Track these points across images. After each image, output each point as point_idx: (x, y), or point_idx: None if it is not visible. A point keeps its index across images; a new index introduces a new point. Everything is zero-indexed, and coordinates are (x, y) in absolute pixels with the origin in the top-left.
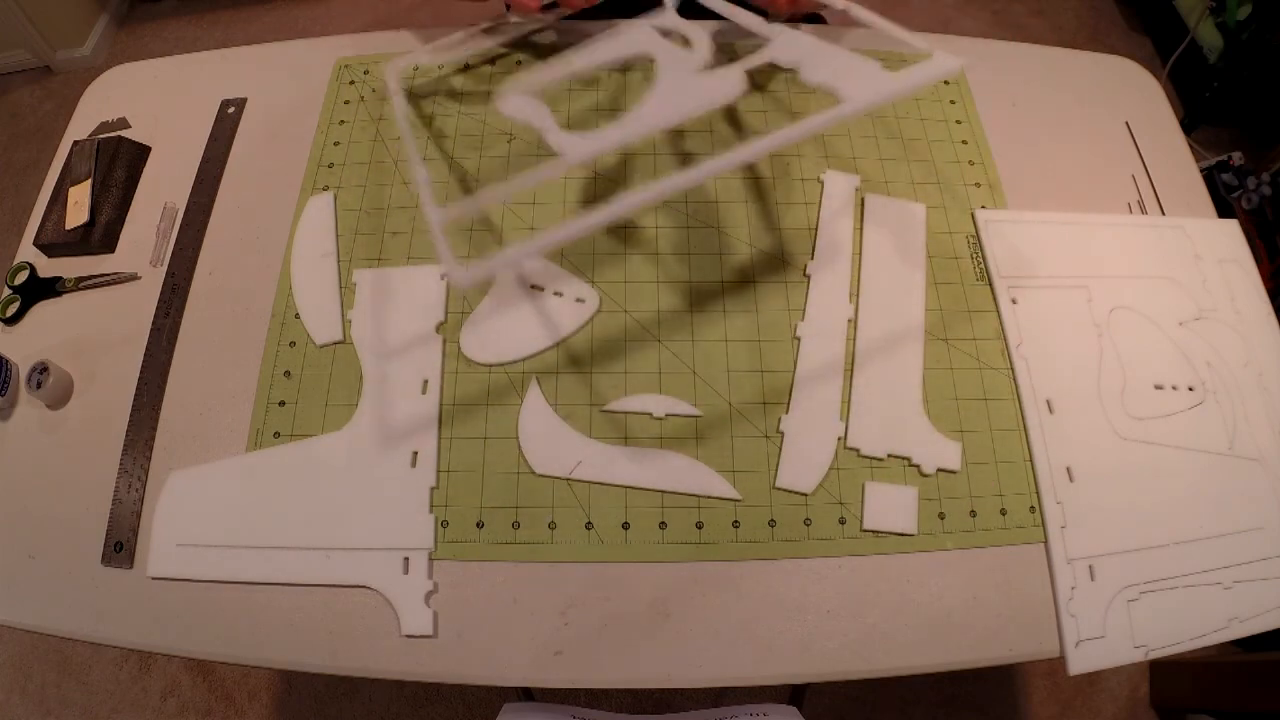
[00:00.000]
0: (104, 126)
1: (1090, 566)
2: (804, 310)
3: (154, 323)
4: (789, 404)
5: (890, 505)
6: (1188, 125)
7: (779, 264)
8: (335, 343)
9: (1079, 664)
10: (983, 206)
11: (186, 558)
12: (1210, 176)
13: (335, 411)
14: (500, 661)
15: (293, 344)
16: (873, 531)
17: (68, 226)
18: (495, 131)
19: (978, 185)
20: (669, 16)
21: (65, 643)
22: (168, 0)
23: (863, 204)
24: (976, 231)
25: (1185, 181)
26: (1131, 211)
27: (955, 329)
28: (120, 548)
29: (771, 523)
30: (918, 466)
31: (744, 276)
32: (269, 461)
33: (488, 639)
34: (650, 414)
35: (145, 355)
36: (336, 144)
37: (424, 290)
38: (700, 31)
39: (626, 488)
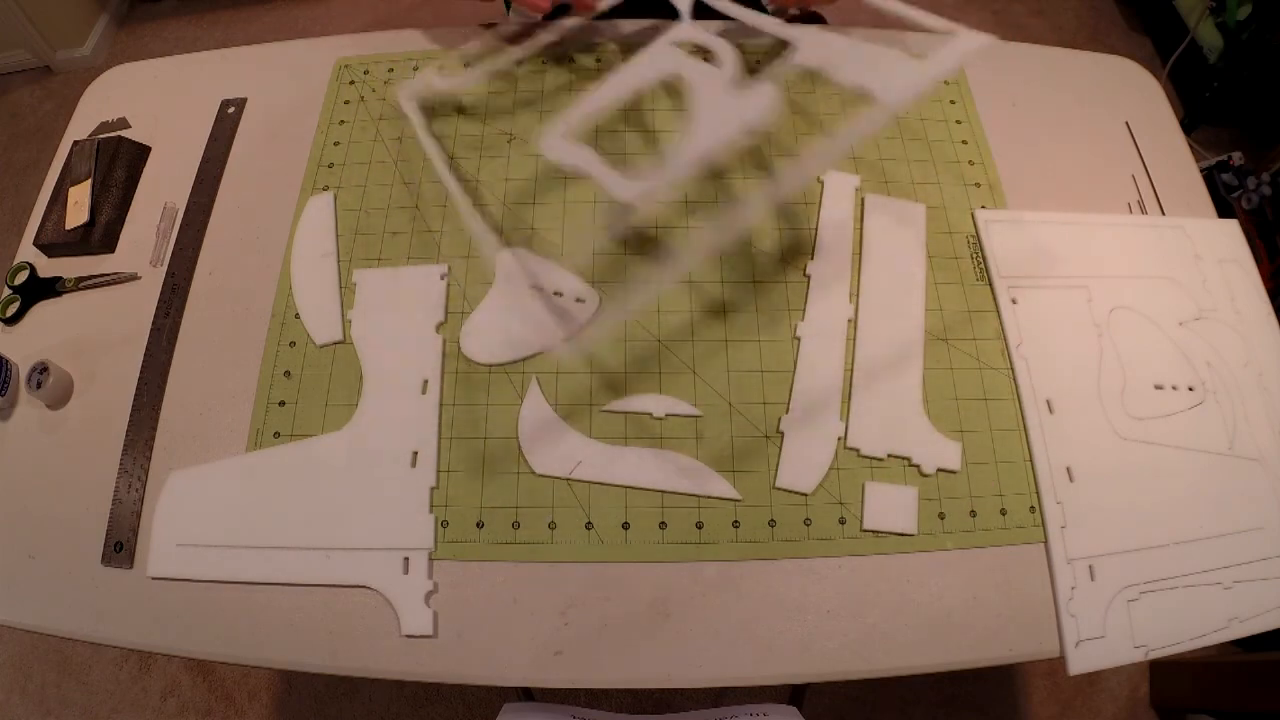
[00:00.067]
0: (104, 126)
1: (1090, 566)
2: (804, 310)
3: (154, 323)
4: (789, 404)
5: (890, 505)
6: (1188, 125)
7: (779, 264)
8: (335, 343)
9: (1079, 664)
10: (983, 206)
11: (186, 558)
12: (1210, 176)
13: (335, 411)
14: (500, 661)
15: (293, 344)
16: (873, 531)
17: (68, 226)
18: (495, 132)
19: (978, 185)
20: (687, 28)
21: (65, 643)
22: (168, 0)
23: (863, 204)
24: (976, 231)
25: (1185, 181)
26: (1131, 211)
27: (955, 329)
28: (120, 548)
29: (771, 523)
30: (918, 466)
31: (744, 276)
32: (269, 461)
33: (488, 639)
34: (650, 414)
35: (145, 355)
36: (336, 144)
37: (424, 290)
38: (724, 44)
39: (626, 488)
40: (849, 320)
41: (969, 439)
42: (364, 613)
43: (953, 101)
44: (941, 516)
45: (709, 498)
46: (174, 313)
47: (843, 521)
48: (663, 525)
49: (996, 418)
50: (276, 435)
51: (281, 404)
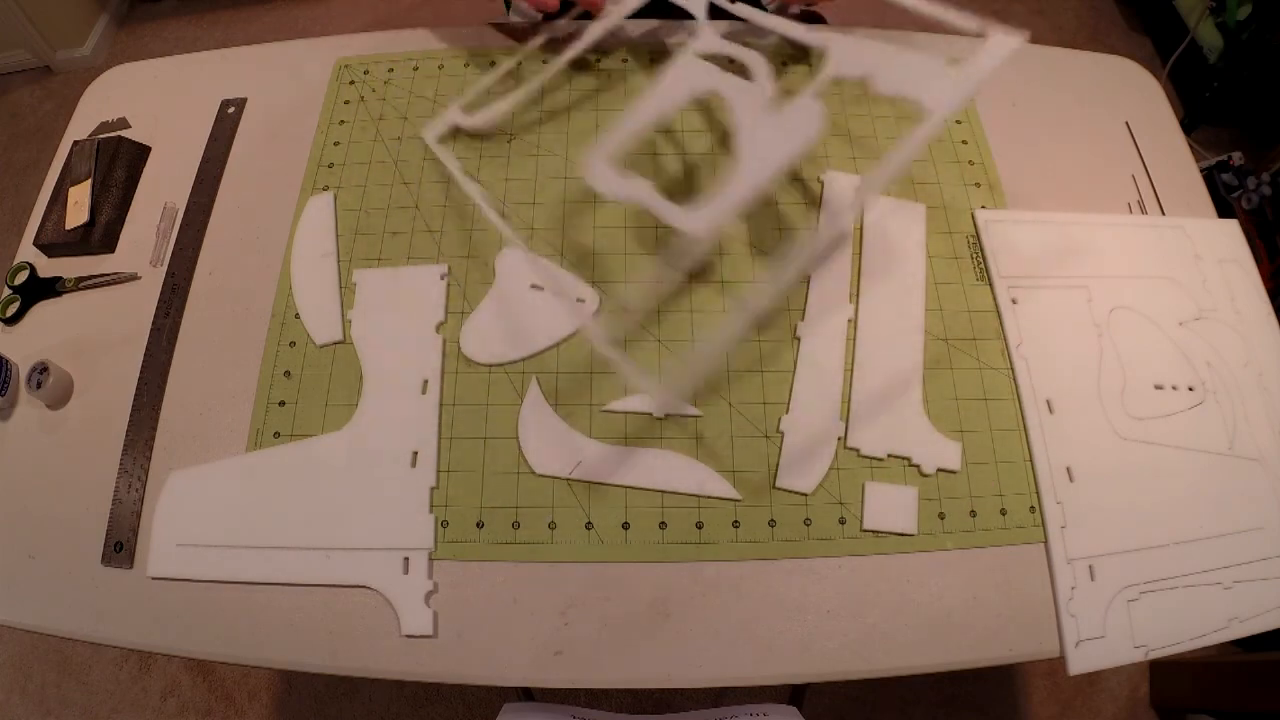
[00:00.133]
0: (104, 126)
1: (1090, 566)
2: (804, 310)
3: (154, 323)
4: (789, 404)
5: (890, 505)
6: (1188, 125)
7: (779, 264)
8: (335, 343)
9: (1079, 664)
10: (983, 206)
11: (186, 558)
12: (1210, 176)
13: (335, 411)
14: (500, 661)
15: (293, 344)
16: (873, 531)
17: (68, 226)
18: (497, 132)
19: (978, 185)
20: (712, 38)
21: (65, 643)
22: (168, 0)
23: (863, 204)
24: (976, 231)
25: (1185, 181)
26: (1131, 211)
27: (955, 329)
28: (120, 548)
29: (771, 523)
30: (918, 466)
31: (744, 276)
32: (269, 461)
33: (488, 639)
34: (650, 414)
35: (145, 355)
36: (336, 144)
37: (424, 290)
38: (755, 56)
39: (626, 488)
40: (849, 320)
41: (969, 439)
42: (364, 613)
43: None
44: (941, 516)
45: (709, 498)
46: (174, 313)
47: (843, 521)
48: (663, 525)
49: (996, 418)
50: (276, 435)
51: (281, 404)
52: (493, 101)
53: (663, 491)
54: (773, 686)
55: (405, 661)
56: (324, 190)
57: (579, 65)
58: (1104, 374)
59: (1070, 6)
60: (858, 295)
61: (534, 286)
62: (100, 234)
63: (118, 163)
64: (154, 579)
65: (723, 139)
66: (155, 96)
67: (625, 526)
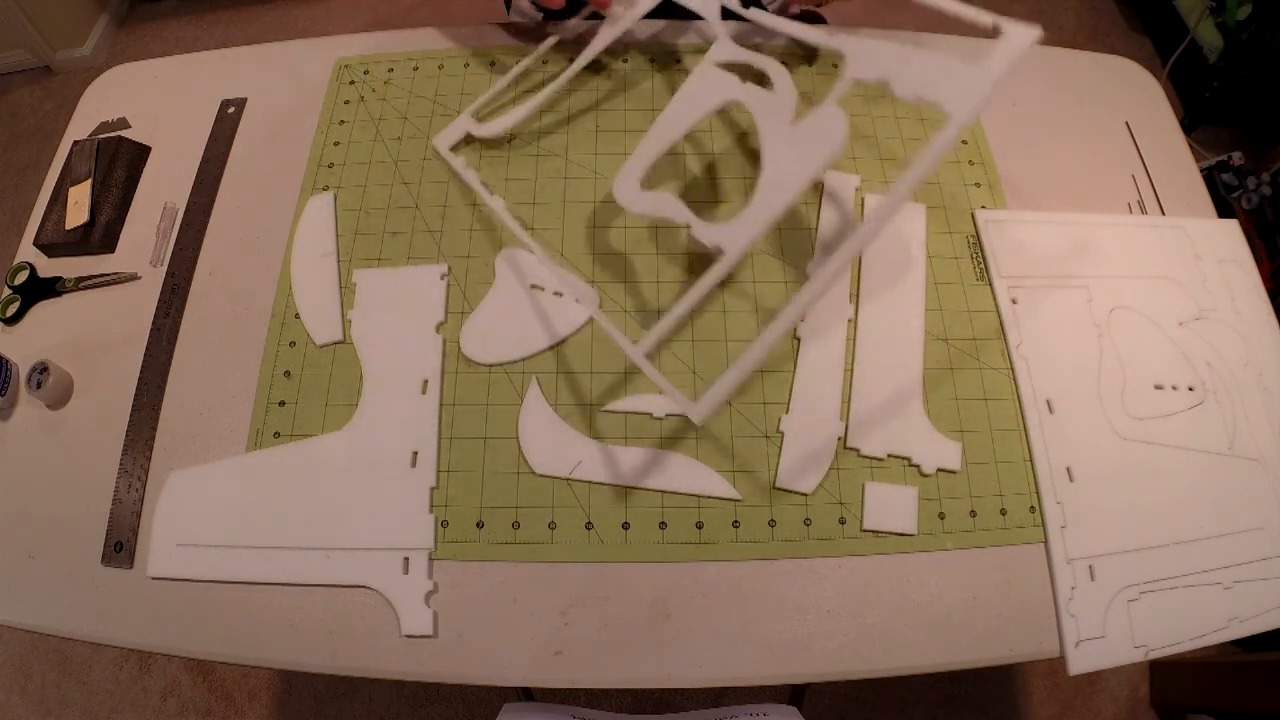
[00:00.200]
0: (104, 126)
1: (1090, 566)
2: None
3: (154, 323)
4: (789, 404)
5: (890, 505)
6: (1188, 125)
7: (779, 264)
8: (335, 343)
9: (1079, 664)
10: (983, 206)
11: (186, 558)
12: (1210, 176)
13: (335, 411)
14: (500, 661)
15: (293, 344)
16: (873, 531)
17: (68, 226)
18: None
19: (978, 185)
20: (725, 45)
21: (65, 643)
22: (168, 0)
23: (863, 204)
24: (976, 231)
25: (1185, 181)
26: (1131, 211)
27: (955, 329)
28: (120, 548)
29: (771, 523)
30: (918, 466)
31: (744, 277)
32: (269, 461)
33: (488, 639)
34: (650, 414)
35: (145, 355)
36: (336, 144)
37: (424, 290)
38: (774, 64)
39: (626, 488)
40: (849, 320)
41: (969, 439)
42: (364, 613)
43: None
44: (941, 516)
45: (709, 498)
46: (174, 313)
47: (843, 521)
48: (663, 525)
49: (996, 418)
50: (276, 435)
51: (281, 404)
52: (505, 109)
53: (663, 491)
54: (773, 686)
55: (405, 661)
56: (324, 190)
57: (586, 66)
58: (1104, 374)
59: (1070, 6)
60: (858, 296)
61: (534, 286)
62: (100, 234)
63: (118, 163)
64: (154, 579)
65: (742, 137)
66: (155, 96)
67: (625, 526)
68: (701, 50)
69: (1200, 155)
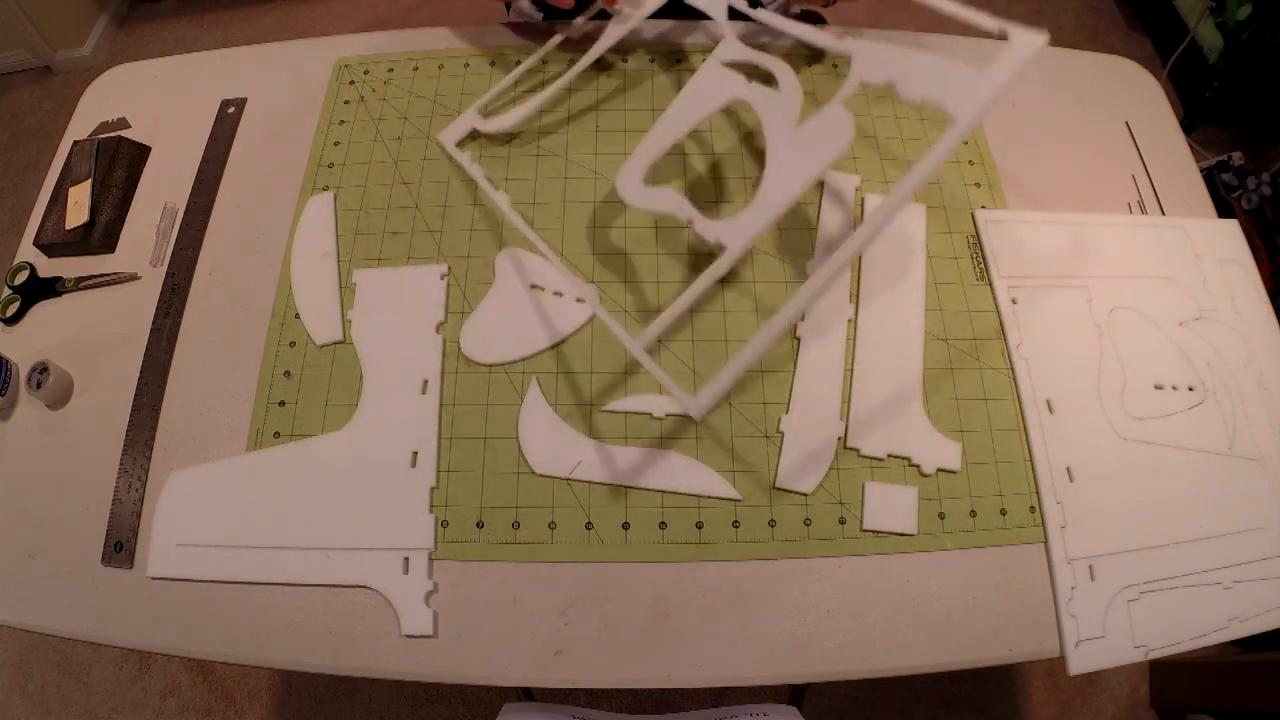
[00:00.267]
0: (104, 126)
1: (1090, 566)
2: (804, 311)
3: (154, 323)
4: (789, 404)
5: (890, 505)
6: (1188, 125)
7: (779, 264)
8: (335, 343)
9: (1079, 664)
10: (983, 206)
11: (186, 558)
12: (1210, 176)
13: (335, 411)
14: (500, 661)
15: (293, 344)
16: (873, 531)
17: (68, 226)
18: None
19: (978, 185)
20: (732, 44)
21: (65, 643)
22: (168, 0)
23: (863, 204)
24: (976, 231)
25: (1185, 181)
26: (1131, 211)
27: (955, 329)
28: (120, 548)
29: (771, 523)
30: (918, 466)
31: (744, 276)
32: (269, 461)
33: (488, 639)
34: (650, 414)
35: (145, 355)
36: (336, 144)
37: (424, 290)
38: (780, 64)
39: (626, 488)
40: (849, 320)
41: (969, 439)
42: (364, 613)
43: None
44: (941, 516)
45: (709, 498)
46: (174, 313)
47: (843, 521)
48: (663, 525)
49: (996, 418)
50: (276, 435)
51: (281, 404)
52: (510, 105)
53: (663, 491)
54: (773, 686)
55: (405, 661)
56: (324, 190)
57: (595, 65)
58: (1104, 374)
59: (1070, 6)
60: (858, 296)
61: (534, 286)
62: (100, 234)
63: (118, 163)
64: (154, 579)
65: (747, 137)
66: (155, 96)
67: (625, 526)
68: (707, 50)
69: (1200, 155)
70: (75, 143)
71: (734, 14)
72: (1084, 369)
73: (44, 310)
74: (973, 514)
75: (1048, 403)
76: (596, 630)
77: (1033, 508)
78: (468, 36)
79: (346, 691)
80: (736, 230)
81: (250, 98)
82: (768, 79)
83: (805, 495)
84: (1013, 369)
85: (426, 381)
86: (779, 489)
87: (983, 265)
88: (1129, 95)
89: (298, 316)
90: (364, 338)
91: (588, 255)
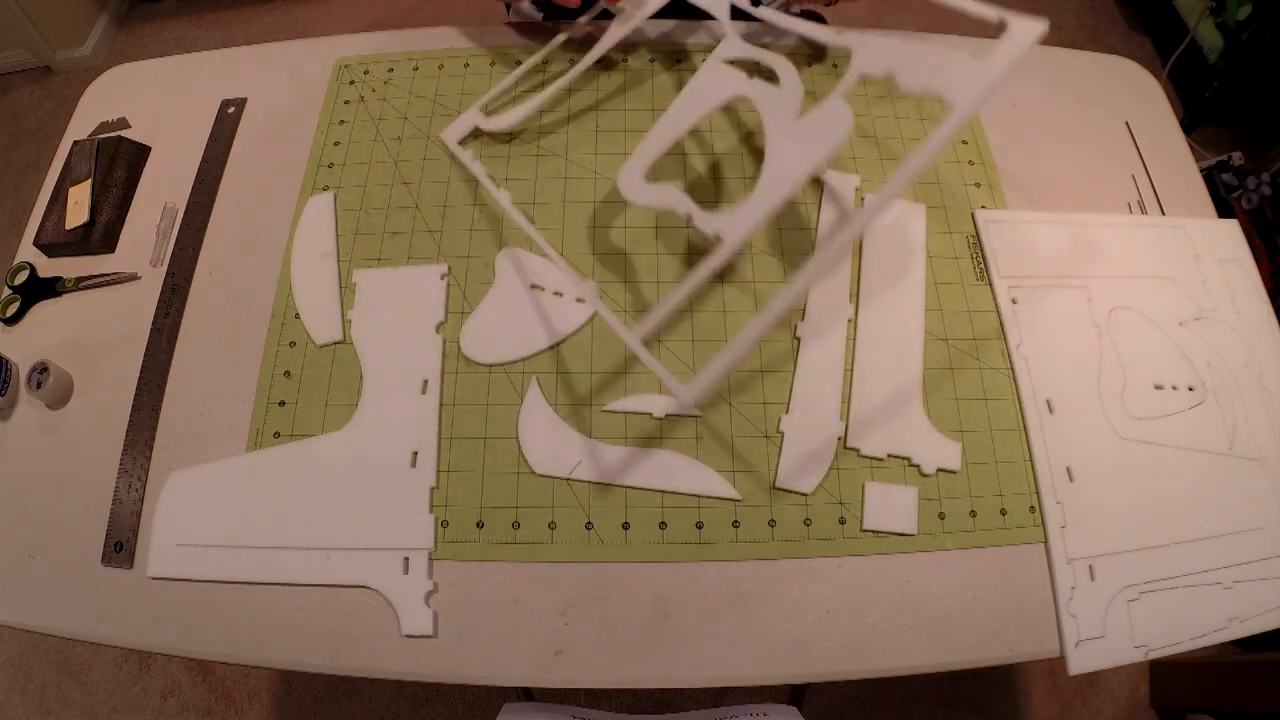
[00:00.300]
0: (104, 126)
1: (1090, 566)
2: (804, 310)
3: (154, 323)
4: (789, 404)
5: (890, 505)
6: (1188, 125)
7: (779, 264)
8: (335, 343)
9: (1079, 664)
10: (983, 206)
11: (186, 558)
12: (1210, 176)
13: (335, 411)
14: (500, 661)
15: (293, 344)
16: (873, 531)
17: (68, 226)
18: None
19: (978, 185)
20: (737, 44)
21: (65, 643)
22: (168, 0)
23: (863, 204)
24: (976, 231)
25: (1185, 181)
26: (1131, 211)
27: (955, 329)
28: (120, 548)
29: (771, 523)
30: (918, 466)
31: (744, 276)
32: (269, 461)
33: (488, 639)
34: (650, 414)
35: (145, 355)
36: (336, 144)
37: (424, 290)
38: (781, 60)
39: (626, 488)
40: (849, 320)
41: (969, 439)
42: (364, 613)
43: None
44: (941, 516)
45: (709, 498)
46: (174, 313)
47: (843, 521)
48: (663, 525)
49: (996, 418)
50: (276, 435)
51: (281, 404)
52: (511, 105)
53: (663, 491)
54: (773, 686)
55: (405, 661)
56: (324, 190)
57: (596, 65)
58: (1104, 374)
59: (1070, 6)
60: (858, 296)
61: (534, 286)
62: (100, 234)
63: (118, 163)
64: (154, 579)
65: (748, 137)
66: (155, 96)
67: (625, 526)
68: (709, 49)
69: (1200, 155)
70: (75, 143)
71: (736, 14)
72: (1084, 369)
73: (44, 310)
74: (973, 514)
75: (1048, 403)
76: (596, 630)
77: (1033, 508)
78: (468, 36)
79: (346, 691)
80: (735, 222)
81: (250, 98)
82: (769, 76)
83: (805, 495)
84: (1013, 369)
85: (426, 381)
86: (779, 489)
87: (983, 265)
88: (1129, 95)
89: (298, 316)
90: (364, 338)
91: (588, 255)
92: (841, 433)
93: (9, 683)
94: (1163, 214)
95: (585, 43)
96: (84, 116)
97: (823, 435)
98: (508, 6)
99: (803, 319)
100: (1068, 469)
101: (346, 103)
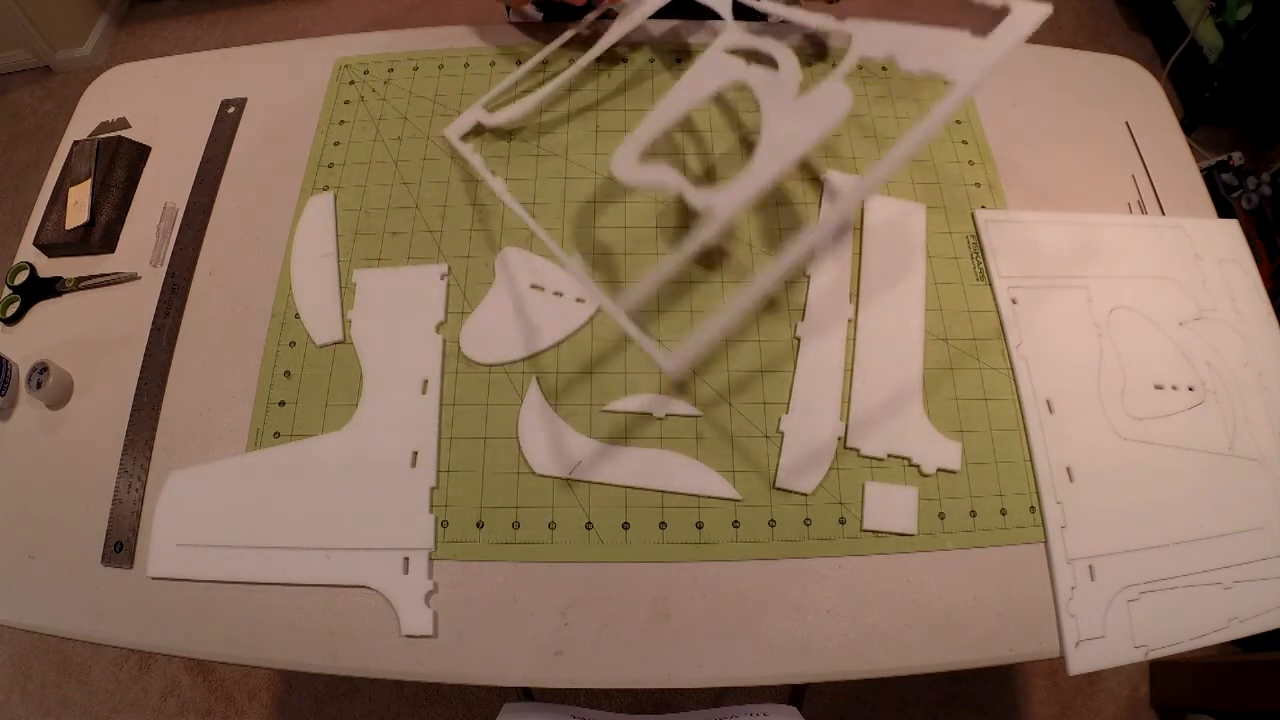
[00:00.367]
0: (104, 126)
1: (1090, 566)
2: (804, 310)
3: (154, 323)
4: (789, 404)
5: (890, 505)
6: (1188, 125)
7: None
8: (335, 343)
9: (1079, 664)
10: (983, 206)
11: (186, 558)
12: (1210, 176)
13: (335, 411)
14: (500, 661)
15: (293, 344)
16: (873, 531)
17: (68, 226)
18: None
19: (978, 185)
20: (736, 34)
21: (65, 643)
22: (168, 0)
23: (863, 204)
24: (976, 231)
25: (1185, 181)
26: (1131, 211)
27: (955, 329)
28: (120, 548)
29: (771, 523)
30: (918, 466)
31: (744, 276)
32: (269, 461)
33: (488, 639)
34: (650, 414)
35: (145, 355)
36: (336, 144)
37: (424, 290)
38: (780, 47)
39: (626, 488)
40: (849, 320)
41: (969, 439)
42: (364, 613)
43: None
44: (941, 516)
45: (709, 498)
46: (174, 313)
47: (843, 521)
48: (663, 525)
49: (996, 418)
50: (276, 435)
51: (281, 404)
52: (515, 99)
53: (663, 491)
54: (773, 686)
55: (405, 661)
56: (324, 190)
57: (596, 63)
58: (1104, 374)
59: (1070, 6)
60: (858, 296)
61: (534, 286)
62: (100, 234)
63: (118, 163)
64: (154, 579)
65: (745, 137)
66: (155, 96)
67: (625, 526)
68: None
69: (1200, 155)
70: (75, 143)
71: (738, 13)
72: (1084, 369)
73: (44, 310)
74: (973, 514)
75: (1048, 403)
76: (596, 630)
77: (1033, 508)
78: (468, 36)
79: (346, 691)
80: (727, 196)
81: (250, 98)
82: (768, 64)
83: (805, 495)
84: (1013, 369)
85: (426, 381)
86: (779, 489)
87: (983, 265)
88: (1129, 95)
89: (298, 316)
90: (364, 338)
91: (588, 255)
92: (841, 433)
93: (9, 683)
94: (1163, 214)
95: (587, 43)
96: (84, 116)
97: (823, 435)
98: (508, 9)
99: (803, 319)
100: (1068, 469)
101: (346, 103)
